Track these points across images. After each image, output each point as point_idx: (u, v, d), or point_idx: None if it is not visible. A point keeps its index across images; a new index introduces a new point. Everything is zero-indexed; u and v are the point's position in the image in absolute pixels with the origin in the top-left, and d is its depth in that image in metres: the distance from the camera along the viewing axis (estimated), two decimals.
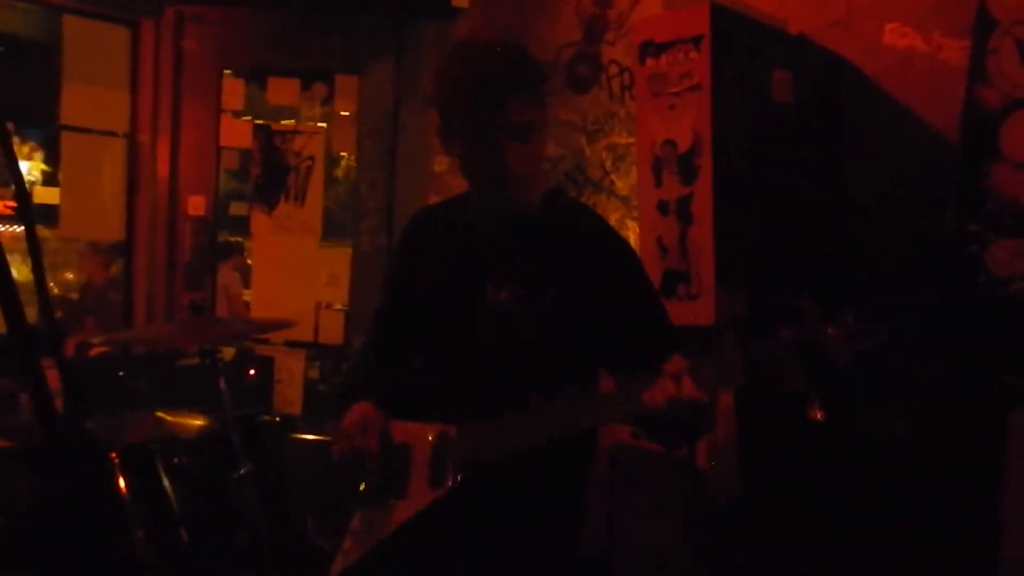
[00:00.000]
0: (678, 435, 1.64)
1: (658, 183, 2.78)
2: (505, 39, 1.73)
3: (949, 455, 2.17)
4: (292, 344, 4.39)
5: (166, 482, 2.62)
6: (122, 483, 2.55)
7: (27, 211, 1.38)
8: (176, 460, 2.71)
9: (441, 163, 4.25)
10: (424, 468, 1.66)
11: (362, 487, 1.75)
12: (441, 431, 1.66)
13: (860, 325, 1.33)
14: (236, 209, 4.70)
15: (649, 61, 2.77)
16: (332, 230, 4.68)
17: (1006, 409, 1.93)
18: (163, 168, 4.47)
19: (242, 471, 2.75)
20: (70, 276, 5.78)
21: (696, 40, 2.65)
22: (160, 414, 3.04)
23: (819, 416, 1.40)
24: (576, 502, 1.76)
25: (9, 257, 1.17)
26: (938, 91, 2.72)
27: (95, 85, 4.29)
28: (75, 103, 4.20)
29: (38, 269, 1.22)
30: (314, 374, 4.67)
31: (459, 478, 1.61)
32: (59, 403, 1.24)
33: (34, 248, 1.23)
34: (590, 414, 1.59)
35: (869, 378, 1.33)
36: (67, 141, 4.23)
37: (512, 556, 1.66)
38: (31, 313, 1.20)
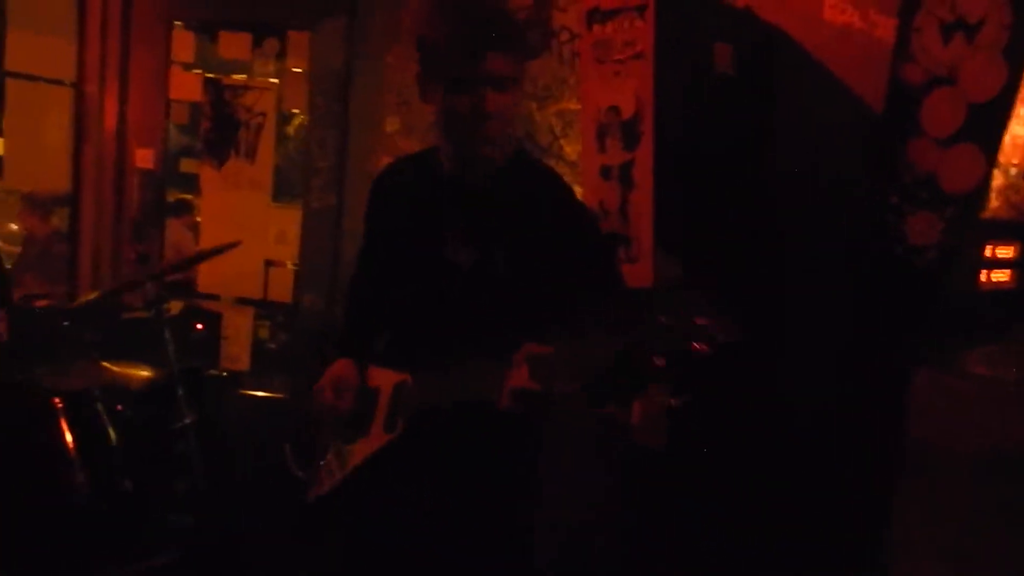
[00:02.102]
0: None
1: (601, 148, 2.85)
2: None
3: (857, 415, 2.31)
4: (241, 301, 4.41)
5: (108, 429, 2.66)
6: (64, 428, 2.57)
7: None
8: (119, 408, 2.74)
9: (393, 123, 4.26)
10: (383, 413, 1.81)
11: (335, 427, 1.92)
12: (400, 380, 1.79)
13: (720, 320, 1.39)
14: (187, 166, 4.67)
15: (595, 27, 2.83)
16: (283, 188, 4.67)
17: (909, 368, 2.06)
18: (110, 119, 4.41)
19: (184, 421, 2.79)
20: (14, 228, 5.69)
21: (640, 9, 2.71)
22: (105, 364, 3.06)
23: (673, 404, 1.47)
24: (519, 464, 1.85)
25: None
26: (871, 67, 2.81)
27: (41, 32, 4.21)
28: (20, 50, 4.12)
29: None
30: (264, 332, 4.70)
31: (405, 427, 1.75)
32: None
33: None
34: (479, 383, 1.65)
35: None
36: (12, 89, 4.16)
37: (453, 500, 1.78)
38: None
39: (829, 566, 2.31)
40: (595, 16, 2.83)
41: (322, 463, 1.93)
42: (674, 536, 2.55)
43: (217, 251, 3.38)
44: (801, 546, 2.32)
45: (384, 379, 1.84)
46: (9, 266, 5.41)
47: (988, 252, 2.46)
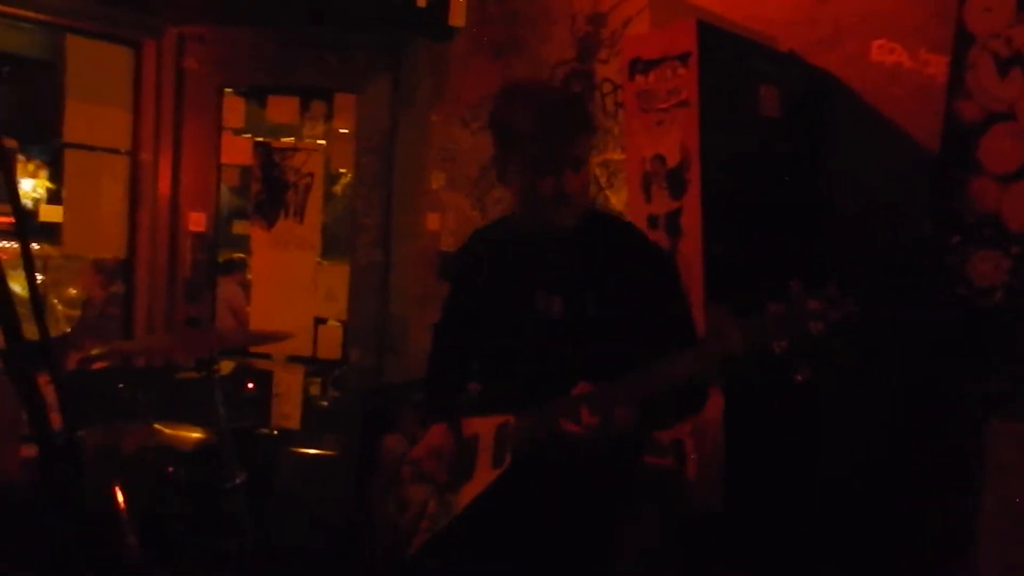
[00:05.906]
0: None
1: (648, 198, 2.81)
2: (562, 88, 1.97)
3: (924, 463, 2.19)
4: (291, 359, 4.43)
5: (158, 490, 2.65)
6: (116, 490, 2.58)
7: (23, 226, 1.43)
8: (170, 470, 2.74)
9: (437, 179, 4.29)
10: (488, 453, 1.91)
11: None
12: (503, 420, 1.90)
13: (837, 293, 1.52)
14: (239, 228, 4.76)
15: (638, 78, 2.81)
16: (331, 246, 4.72)
17: (981, 421, 1.95)
18: (164, 185, 4.52)
19: (235, 481, 2.78)
20: (73, 292, 5.84)
21: (683, 57, 2.69)
22: (157, 426, 3.07)
23: (801, 379, 1.50)
24: (617, 492, 1.95)
25: (12, 273, 1.22)
26: (923, 106, 2.76)
27: (98, 104, 4.35)
28: (78, 121, 4.25)
29: (32, 284, 1.27)
30: (315, 389, 4.70)
31: (511, 461, 1.84)
32: (56, 416, 1.29)
33: (28, 263, 1.27)
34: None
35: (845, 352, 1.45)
36: (70, 159, 4.29)
37: (557, 536, 1.87)
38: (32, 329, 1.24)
39: None
40: (637, 66, 2.82)
41: (424, 517, 2.01)
42: None
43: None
44: None
45: (482, 426, 1.95)
46: (69, 329, 5.56)
47: None
